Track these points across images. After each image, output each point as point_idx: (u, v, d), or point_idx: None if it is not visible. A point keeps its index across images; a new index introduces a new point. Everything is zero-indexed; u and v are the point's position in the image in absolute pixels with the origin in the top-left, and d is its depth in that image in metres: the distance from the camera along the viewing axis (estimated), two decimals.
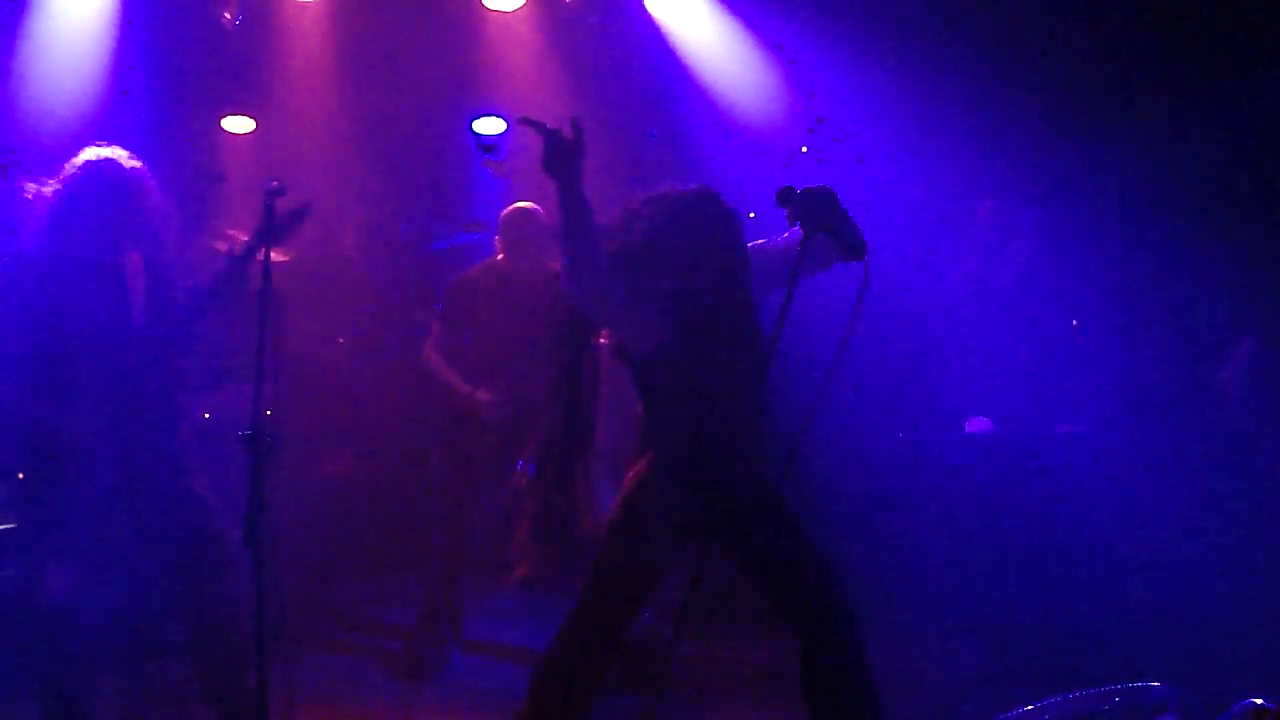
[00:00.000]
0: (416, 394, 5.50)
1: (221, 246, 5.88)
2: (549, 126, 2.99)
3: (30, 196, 3.58)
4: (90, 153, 3.60)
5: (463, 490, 4.72)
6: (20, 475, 4.26)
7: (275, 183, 3.28)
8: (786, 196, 2.96)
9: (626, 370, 3.31)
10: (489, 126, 6.94)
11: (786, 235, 3.25)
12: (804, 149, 5.50)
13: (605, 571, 3.30)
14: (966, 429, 4.59)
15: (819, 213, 2.98)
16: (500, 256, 4.86)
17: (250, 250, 3.66)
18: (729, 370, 3.16)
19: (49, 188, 3.58)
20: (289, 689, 3.84)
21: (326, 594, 5.47)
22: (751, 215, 4.93)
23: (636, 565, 3.26)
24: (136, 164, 3.63)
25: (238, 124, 6.70)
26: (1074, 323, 4.73)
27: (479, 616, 5.02)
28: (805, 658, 3.18)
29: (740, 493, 3.20)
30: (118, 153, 3.63)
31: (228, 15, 5.53)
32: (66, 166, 3.58)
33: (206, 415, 3.97)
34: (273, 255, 3.32)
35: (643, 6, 5.80)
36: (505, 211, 4.89)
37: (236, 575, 3.79)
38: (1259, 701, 2.51)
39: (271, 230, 3.31)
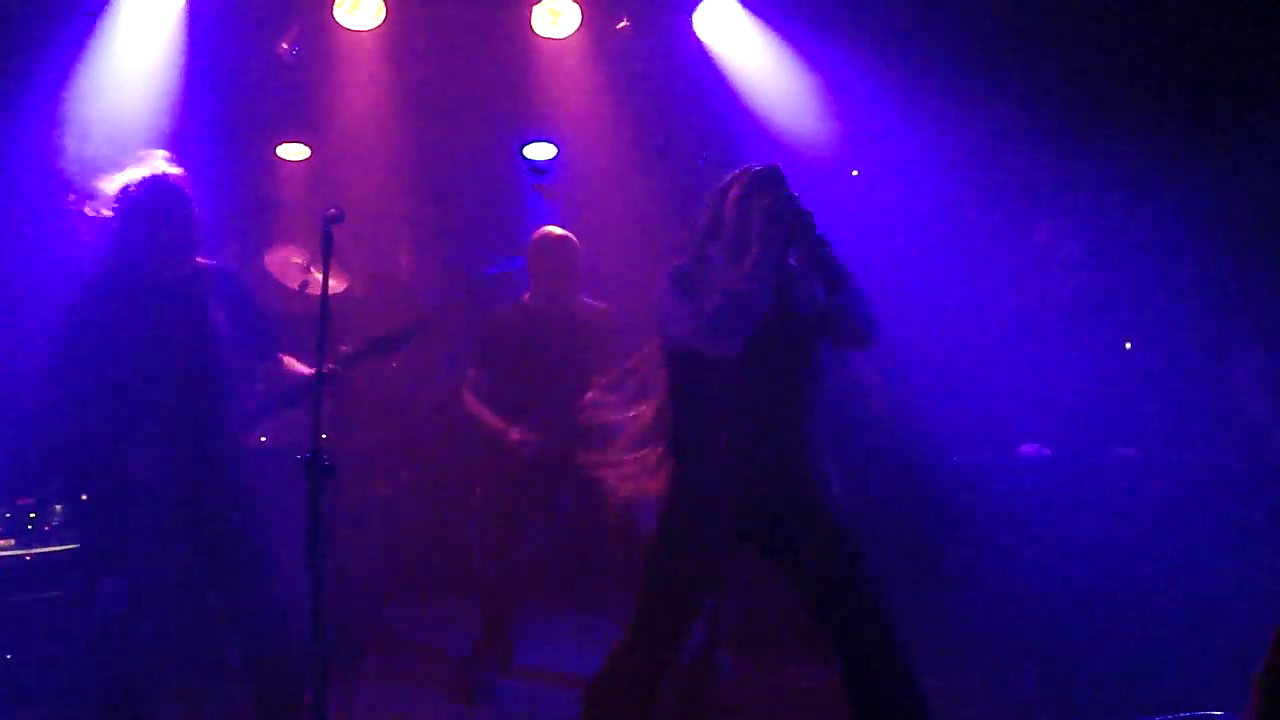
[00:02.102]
0: (461, 428, 5.52)
1: (276, 271, 6.00)
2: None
3: (89, 214, 3.62)
4: (142, 167, 3.64)
5: (507, 524, 4.73)
6: (83, 497, 4.37)
7: (333, 210, 3.31)
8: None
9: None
10: (540, 152, 7.00)
11: None
12: (855, 172, 5.49)
13: (653, 585, 3.32)
14: (1020, 453, 4.55)
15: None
16: (528, 295, 4.88)
17: (353, 360, 3.76)
18: (783, 379, 3.20)
19: (105, 207, 3.61)
20: (345, 712, 3.88)
21: (383, 617, 5.50)
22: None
23: (682, 574, 3.28)
24: (180, 172, 3.67)
25: (293, 151, 6.80)
26: (1127, 345, 4.68)
27: (530, 641, 5.03)
28: (845, 677, 3.18)
29: (783, 500, 3.21)
30: (164, 164, 3.67)
31: (285, 45, 5.62)
32: (118, 183, 3.62)
33: (264, 439, 4.02)
34: (332, 282, 3.37)
35: (692, 32, 5.83)
36: (534, 237, 4.88)
37: (294, 598, 3.84)
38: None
39: (330, 255, 3.34)
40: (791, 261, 3.18)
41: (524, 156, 7.04)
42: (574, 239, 4.83)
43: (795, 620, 4.27)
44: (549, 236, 4.86)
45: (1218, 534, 4.26)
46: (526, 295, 4.90)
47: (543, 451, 4.61)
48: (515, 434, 4.61)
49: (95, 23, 5.16)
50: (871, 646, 3.19)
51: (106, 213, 3.60)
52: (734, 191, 3.28)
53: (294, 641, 3.65)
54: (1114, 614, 4.26)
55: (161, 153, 3.69)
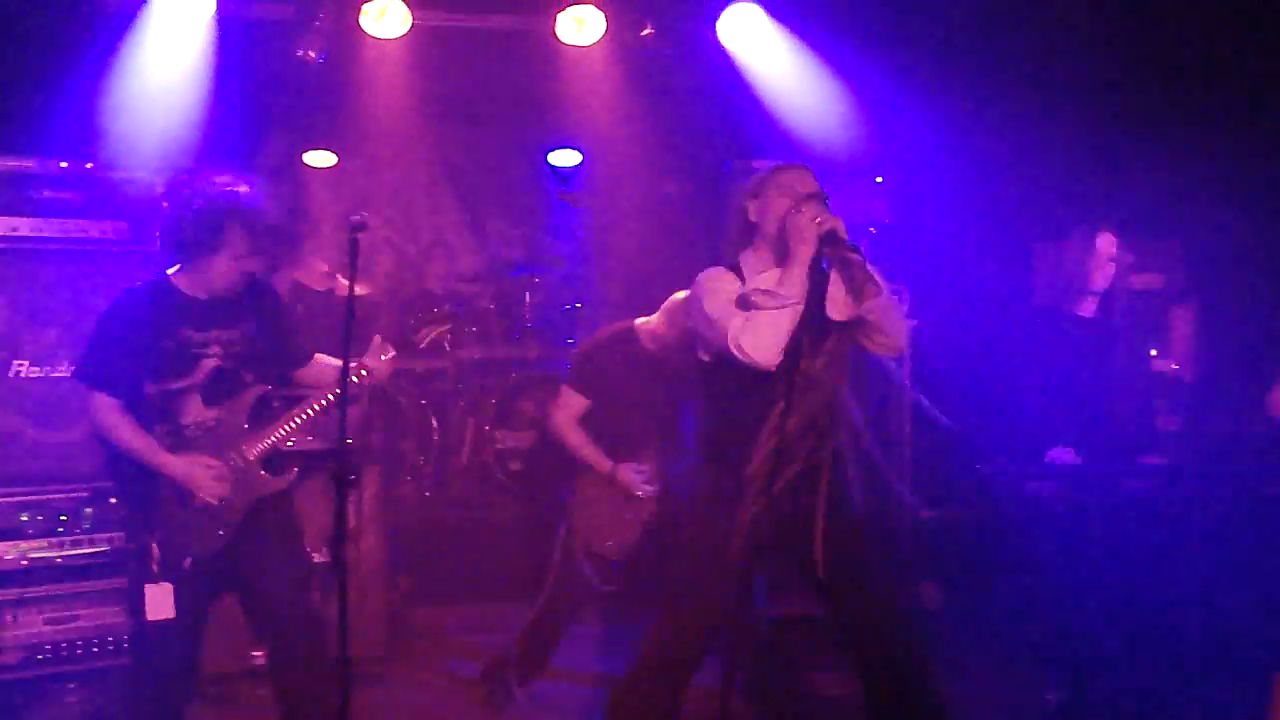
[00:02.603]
0: (539, 456, 5.41)
1: (303, 278, 6.05)
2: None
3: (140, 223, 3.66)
4: (210, 182, 3.63)
5: (585, 558, 4.65)
6: (114, 500, 4.42)
7: (358, 217, 3.33)
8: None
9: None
10: (565, 159, 7.04)
11: None
12: (879, 179, 5.48)
13: (680, 592, 3.34)
14: (1048, 459, 4.53)
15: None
16: (645, 323, 4.60)
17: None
18: (816, 385, 3.19)
19: (175, 220, 3.63)
20: (369, 713, 3.90)
21: (411, 619, 5.53)
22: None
23: (710, 582, 3.28)
24: (243, 194, 3.68)
25: (320, 158, 6.87)
26: (1152, 352, 4.66)
27: (562, 644, 5.03)
28: (865, 688, 3.21)
29: (810, 510, 3.21)
30: (224, 179, 3.68)
31: (311, 54, 5.67)
32: (186, 196, 3.63)
33: (291, 443, 4.05)
34: (357, 289, 3.39)
35: (716, 40, 5.85)
36: (680, 295, 4.47)
37: (320, 599, 3.87)
38: None
39: (356, 262, 3.36)
40: (825, 267, 3.16)
41: (549, 163, 7.08)
42: None
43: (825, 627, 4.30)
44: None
45: (1250, 545, 4.22)
46: (640, 323, 4.65)
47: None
48: (627, 472, 4.45)
49: (125, 33, 5.21)
50: (890, 659, 3.21)
51: (174, 223, 3.61)
52: (764, 193, 3.27)
53: (321, 644, 3.67)
54: (1140, 621, 4.23)
55: (226, 177, 3.71)
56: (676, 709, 3.40)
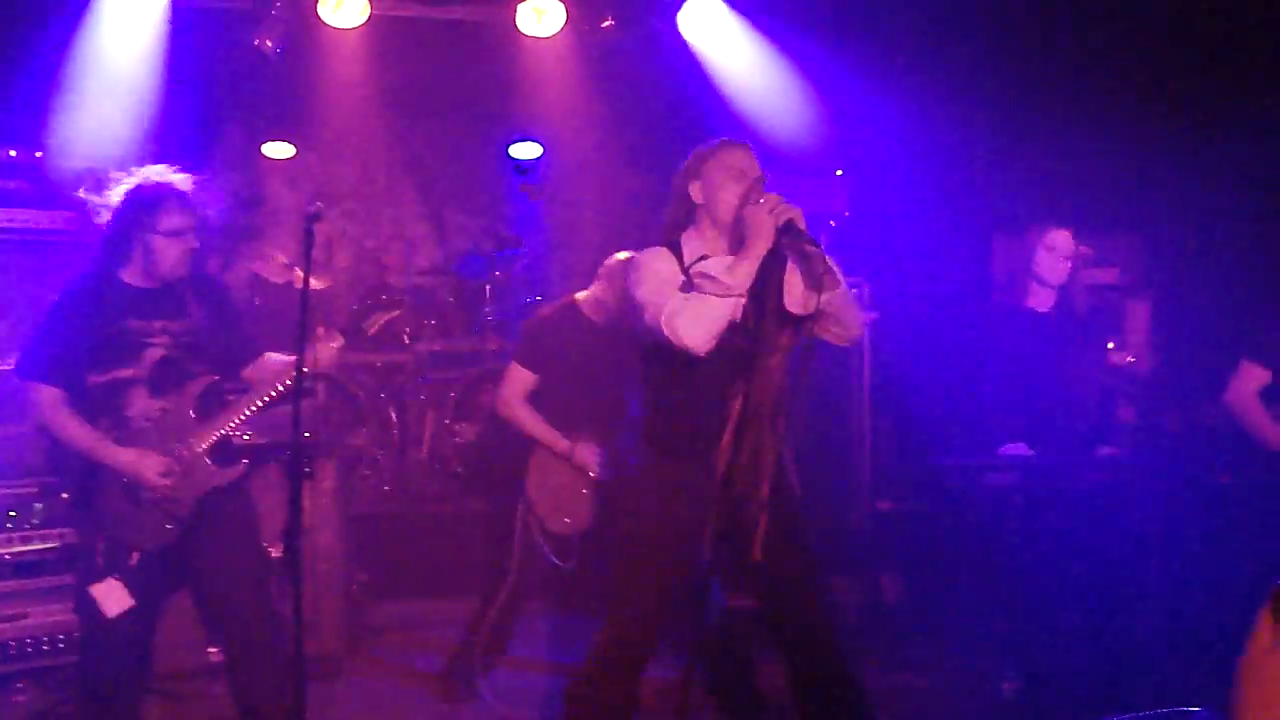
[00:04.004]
0: (485, 437, 5.35)
1: (261, 270, 6.00)
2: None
3: (98, 221, 3.62)
4: (138, 174, 3.64)
5: (543, 538, 4.63)
6: (64, 495, 4.36)
7: (313, 207, 3.30)
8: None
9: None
10: (525, 151, 7.02)
11: None
12: (839, 171, 5.50)
13: (629, 580, 3.33)
14: (1001, 453, 4.57)
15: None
16: (585, 296, 4.63)
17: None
18: (761, 374, 3.16)
19: (100, 211, 3.61)
20: (328, 709, 3.87)
21: (367, 614, 5.49)
22: None
23: (658, 569, 3.28)
24: (181, 182, 3.66)
25: (278, 149, 6.80)
26: (1109, 345, 4.70)
27: (519, 636, 5.03)
28: (790, 677, 3.24)
29: (751, 496, 3.20)
30: (163, 172, 3.66)
31: (268, 43, 5.61)
32: (112, 190, 3.62)
33: (247, 436, 4.01)
34: (312, 281, 3.37)
35: (677, 32, 5.84)
36: (615, 257, 4.56)
37: (276, 595, 3.83)
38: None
39: (311, 252, 3.34)
40: (784, 256, 3.13)
41: (509, 155, 7.05)
42: None
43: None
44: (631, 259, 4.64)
45: (1201, 530, 4.28)
46: (580, 296, 4.66)
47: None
48: (586, 451, 4.44)
49: (78, 21, 5.13)
50: (815, 645, 3.25)
51: (107, 215, 3.59)
52: (707, 173, 3.21)
53: (277, 640, 3.64)
54: (1095, 610, 4.28)
55: (160, 166, 3.68)
56: (634, 700, 3.40)
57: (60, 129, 4.97)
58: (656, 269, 3.17)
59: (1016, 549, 4.39)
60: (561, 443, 4.45)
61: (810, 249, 3.06)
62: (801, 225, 3.02)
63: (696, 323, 2.99)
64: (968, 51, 5.48)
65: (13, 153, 4.59)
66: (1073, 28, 5.39)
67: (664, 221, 3.31)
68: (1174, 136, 5.34)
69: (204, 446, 3.60)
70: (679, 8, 5.76)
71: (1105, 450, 4.60)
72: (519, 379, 4.57)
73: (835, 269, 3.11)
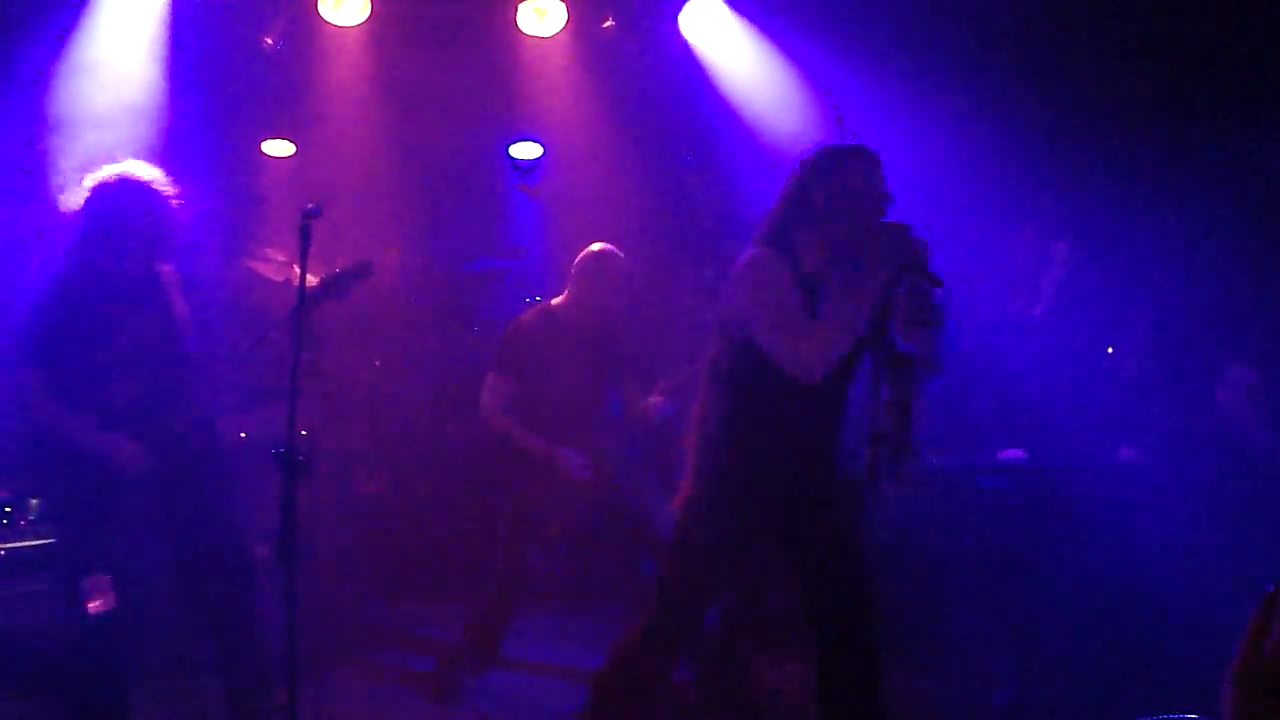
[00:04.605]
0: (478, 440, 5.33)
1: (259, 267, 5.99)
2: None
3: (62, 209, 3.64)
4: (114, 168, 3.66)
5: (536, 540, 4.64)
6: (52, 493, 4.36)
7: (311, 205, 3.31)
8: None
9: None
10: (525, 151, 7.00)
11: None
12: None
13: (676, 574, 3.32)
14: (999, 458, 4.56)
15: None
16: (560, 300, 4.67)
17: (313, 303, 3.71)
18: (835, 386, 3.15)
19: (75, 202, 3.63)
20: (319, 709, 3.87)
21: (359, 615, 5.49)
22: None
23: (707, 563, 3.27)
24: (157, 176, 3.68)
25: (278, 147, 6.79)
26: (1109, 349, 4.69)
27: (510, 637, 5.02)
28: (820, 672, 3.22)
29: (812, 499, 3.20)
30: (139, 167, 3.68)
31: (269, 40, 5.60)
32: (90, 182, 3.63)
33: (243, 435, 4.01)
34: (310, 278, 3.36)
35: (678, 32, 5.83)
36: (584, 253, 4.64)
37: (266, 594, 3.82)
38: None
39: (308, 250, 3.34)
40: (900, 289, 3.03)
41: (509, 155, 7.03)
42: (620, 254, 4.63)
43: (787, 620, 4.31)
44: (601, 251, 4.61)
45: (1199, 536, 4.27)
46: (560, 299, 4.68)
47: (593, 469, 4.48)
48: (567, 454, 4.41)
49: (77, 16, 5.12)
50: (852, 651, 3.23)
51: (74, 209, 3.61)
52: (833, 179, 3.11)
53: (267, 639, 3.64)
54: (1092, 616, 4.27)
55: (134, 161, 3.70)
56: (661, 694, 3.40)
57: (56, 126, 4.95)
58: (773, 280, 3.06)
59: (1013, 554, 4.39)
60: (541, 448, 4.45)
61: (927, 288, 2.99)
62: (925, 261, 2.94)
63: (816, 354, 2.94)
64: (967, 53, 5.46)
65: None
66: (1074, 30, 5.38)
67: (773, 214, 3.21)
68: (1172, 140, 5.32)
69: (181, 429, 3.61)
70: (680, 8, 5.75)
71: (1104, 455, 4.59)
72: (499, 387, 4.58)
73: (941, 310, 3.07)
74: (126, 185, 3.61)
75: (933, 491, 4.77)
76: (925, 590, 4.86)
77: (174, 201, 3.69)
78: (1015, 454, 4.56)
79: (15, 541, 4.44)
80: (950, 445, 4.81)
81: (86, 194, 3.61)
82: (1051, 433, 4.62)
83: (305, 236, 3.31)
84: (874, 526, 3.35)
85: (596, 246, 4.62)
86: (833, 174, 3.11)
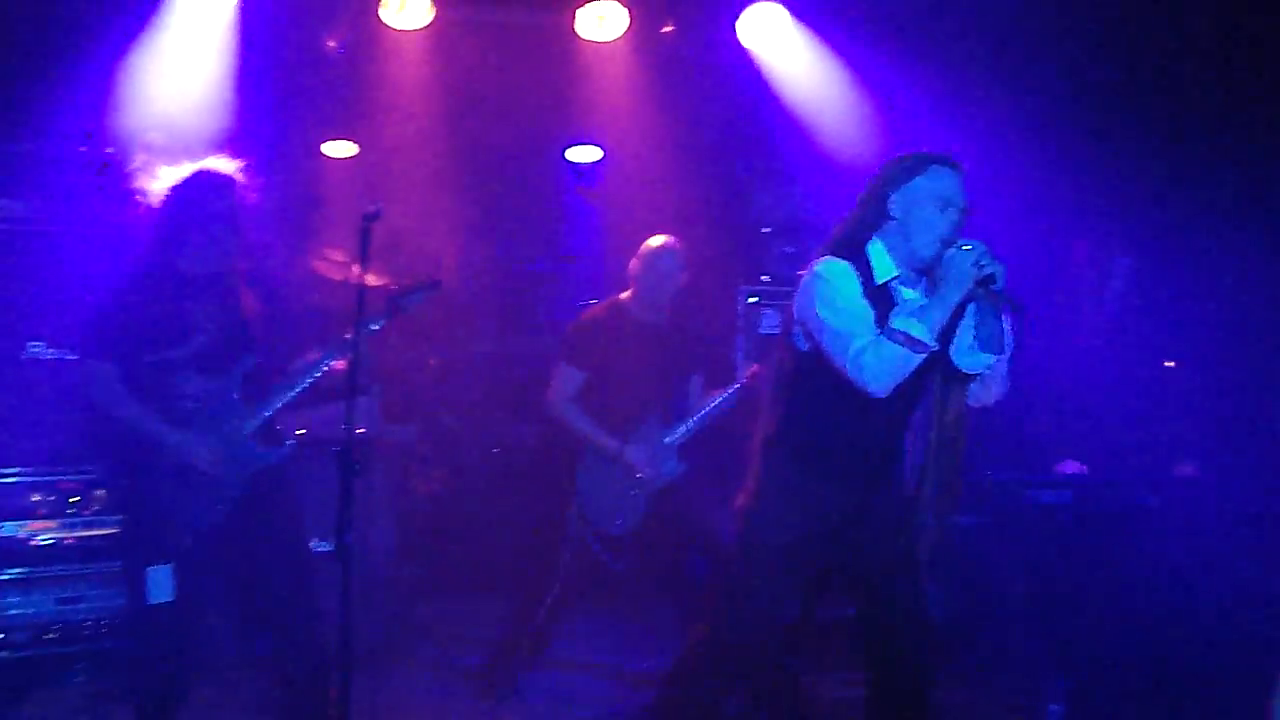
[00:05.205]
0: (541, 436, 5.36)
1: (320, 267, 6.07)
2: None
3: (141, 204, 3.70)
4: (193, 164, 3.70)
5: (593, 537, 4.65)
6: (121, 482, 4.45)
7: (371, 207, 3.35)
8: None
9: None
10: (583, 155, 7.04)
11: None
12: None
13: (736, 588, 3.30)
14: (1057, 471, 4.52)
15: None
16: (626, 294, 4.68)
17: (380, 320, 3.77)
18: (901, 402, 3.11)
19: (155, 199, 3.69)
20: (371, 703, 3.90)
21: (413, 610, 5.54)
22: None
23: (765, 579, 3.24)
24: (234, 172, 3.73)
25: (339, 148, 6.87)
26: (1170, 363, 4.63)
27: (562, 636, 5.05)
28: (869, 688, 3.22)
29: (870, 507, 3.19)
30: (219, 163, 3.74)
31: (332, 43, 5.68)
32: (170, 178, 3.69)
33: (301, 431, 4.07)
34: (368, 278, 3.41)
35: (736, 39, 5.83)
36: (643, 247, 4.64)
37: (322, 590, 3.88)
38: None
39: (368, 252, 3.38)
40: (972, 308, 3.00)
41: (567, 159, 7.07)
42: (680, 247, 4.64)
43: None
44: (661, 244, 4.63)
45: (1252, 546, 4.21)
46: (627, 294, 4.69)
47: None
48: (635, 451, 4.45)
49: (148, 20, 5.22)
50: (902, 668, 3.22)
51: (153, 205, 3.67)
52: (912, 187, 3.04)
53: (324, 633, 3.68)
54: (1144, 628, 4.22)
55: (213, 157, 3.76)
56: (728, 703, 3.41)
57: (128, 124, 5.06)
58: (842, 290, 3.00)
59: (1065, 567, 4.35)
60: (610, 443, 4.46)
61: (1001, 310, 2.96)
62: (1001, 283, 2.87)
63: (883, 370, 2.88)
64: (1028, 63, 5.41)
65: (82, 148, 4.70)
66: (1139, 43, 5.31)
67: (847, 220, 3.16)
68: (1235, 154, 5.23)
69: (249, 429, 3.66)
70: (739, 14, 5.75)
71: (1161, 469, 4.54)
72: (567, 378, 4.59)
73: (1010, 336, 3.03)
74: (206, 182, 3.65)
75: (989, 504, 4.74)
76: (979, 603, 4.84)
77: (251, 198, 3.74)
78: (1074, 467, 4.51)
79: (81, 530, 4.56)
80: (1008, 458, 4.77)
81: (166, 191, 3.65)
82: (1110, 446, 4.57)
83: (365, 238, 3.36)
84: (930, 541, 3.32)
85: (655, 240, 4.64)
86: (911, 182, 3.04)
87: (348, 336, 3.57)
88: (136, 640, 3.74)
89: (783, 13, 5.71)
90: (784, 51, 5.86)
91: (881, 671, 3.27)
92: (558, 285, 7.05)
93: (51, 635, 4.51)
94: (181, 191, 3.65)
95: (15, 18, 5.01)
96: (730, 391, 4.62)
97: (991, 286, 2.85)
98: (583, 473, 4.53)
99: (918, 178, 3.03)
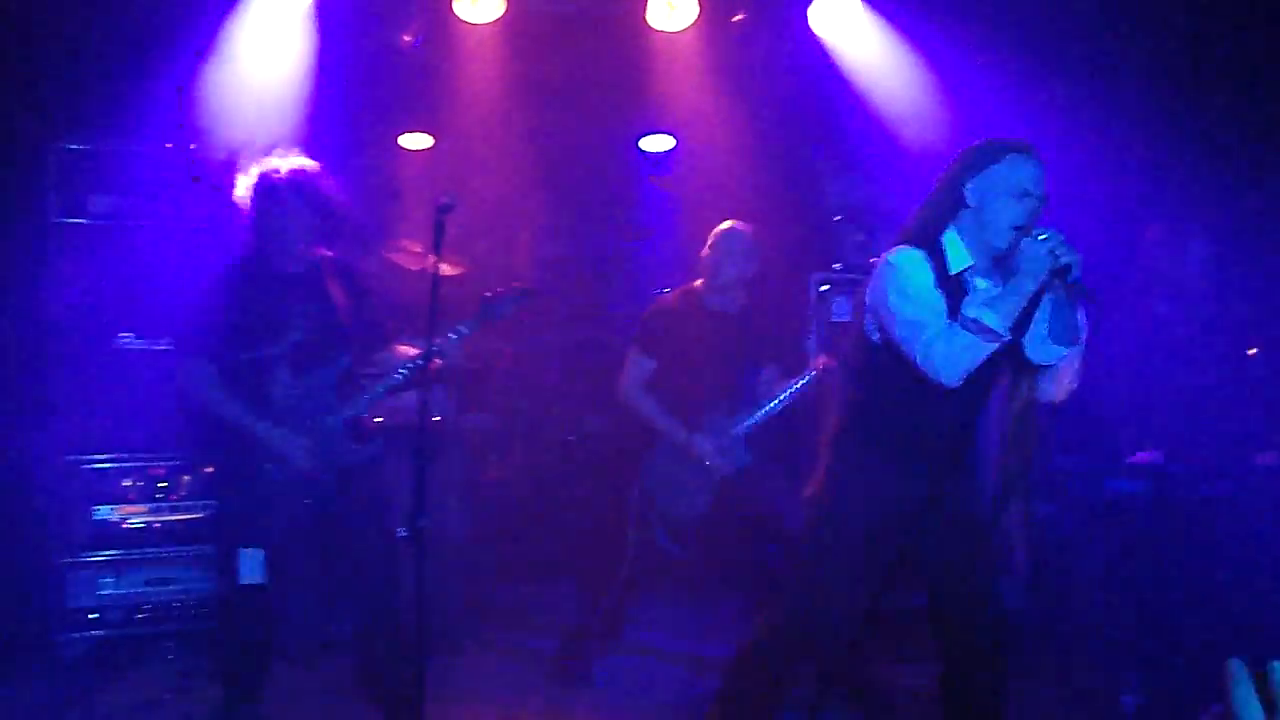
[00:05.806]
0: (613, 423, 5.42)
1: (397, 258, 6.17)
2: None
3: (229, 202, 3.81)
4: (281, 161, 3.79)
5: (660, 524, 4.68)
6: (210, 469, 4.59)
7: (445, 198, 3.41)
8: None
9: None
10: (657, 144, 7.06)
11: None
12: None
13: (806, 574, 3.31)
14: (1132, 460, 4.45)
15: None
16: (699, 282, 4.69)
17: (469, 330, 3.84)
18: (974, 394, 3.06)
19: (245, 196, 3.79)
20: (446, 685, 4.00)
21: (490, 595, 5.63)
22: None
23: (834, 556, 3.23)
24: (317, 168, 3.82)
25: (415, 140, 6.97)
26: (1251, 351, 4.54)
27: (633, 622, 5.10)
28: (945, 677, 3.21)
29: (942, 497, 3.14)
30: (302, 159, 3.83)
31: (407, 37, 5.77)
32: (258, 176, 3.79)
33: (379, 419, 4.17)
34: (443, 268, 3.47)
35: (807, 26, 5.81)
36: (714, 232, 4.66)
37: (405, 574, 3.97)
38: None
39: (442, 243, 3.44)
40: (1047, 298, 2.94)
41: (640, 149, 7.10)
42: (751, 231, 4.65)
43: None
44: (733, 227, 4.65)
45: None
46: (700, 281, 4.70)
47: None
48: (704, 442, 4.48)
49: (227, 17, 5.35)
50: (978, 657, 3.21)
51: (243, 200, 3.77)
52: (989, 176, 3.00)
53: (402, 617, 3.77)
54: (1224, 621, 4.15)
55: (295, 151, 3.85)
56: (789, 688, 3.43)
57: (211, 121, 5.18)
58: (916, 279, 2.97)
59: (1144, 557, 4.29)
60: (680, 431, 4.49)
61: (1076, 301, 2.92)
62: (1078, 273, 2.81)
63: (955, 360, 2.85)
64: (1104, 49, 5.32)
65: (168, 144, 4.84)
66: (1220, 28, 5.19)
67: (921, 209, 3.13)
68: None
69: (341, 425, 3.76)
70: (810, 2, 5.73)
71: (1265, 457, 4.43)
72: (637, 366, 4.62)
73: (1084, 328, 3.00)
74: (295, 179, 3.75)
75: (1065, 493, 4.69)
76: (1054, 593, 4.79)
77: (337, 192, 3.83)
78: (1150, 456, 4.45)
79: (169, 515, 4.71)
80: (1083, 446, 4.72)
81: (255, 188, 3.74)
82: (1188, 435, 4.49)
83: (440, 230, 3.42)
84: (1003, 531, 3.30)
85: (725, 224, 4.65)
86: (988, 169, 3.00)
87: (438, 340, 3.64)
88: (226, 621, 3.86)
89: (853, 0, 5.69)
90: (855, 38, 5.82)
91: (955, 662, 3.26)
92: (632, 273, 7.09)
93: (142, 615, 4.68)
94: (267, 191, 3.74)
95: (105, 24, 5.16)
96: (800, 382, 4.60)
97: (1067, 277, 2.80)
98: (652, 459, 4.57)
99: (995, 165, 2.99)
